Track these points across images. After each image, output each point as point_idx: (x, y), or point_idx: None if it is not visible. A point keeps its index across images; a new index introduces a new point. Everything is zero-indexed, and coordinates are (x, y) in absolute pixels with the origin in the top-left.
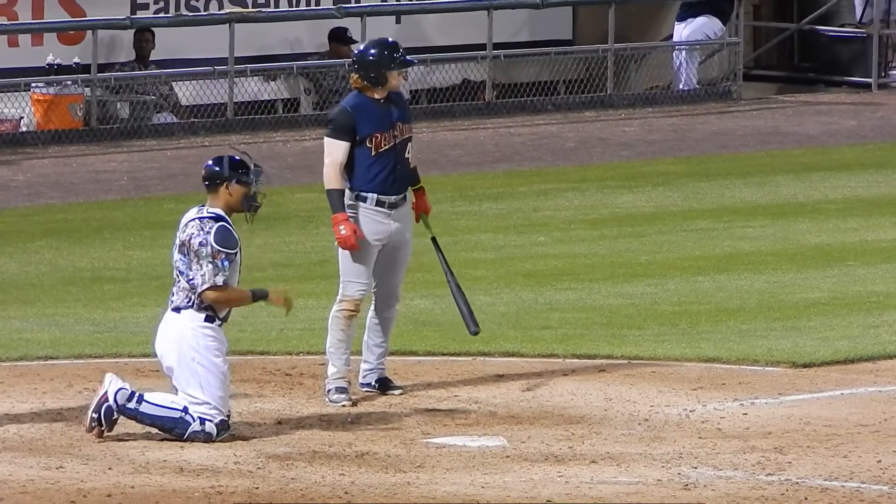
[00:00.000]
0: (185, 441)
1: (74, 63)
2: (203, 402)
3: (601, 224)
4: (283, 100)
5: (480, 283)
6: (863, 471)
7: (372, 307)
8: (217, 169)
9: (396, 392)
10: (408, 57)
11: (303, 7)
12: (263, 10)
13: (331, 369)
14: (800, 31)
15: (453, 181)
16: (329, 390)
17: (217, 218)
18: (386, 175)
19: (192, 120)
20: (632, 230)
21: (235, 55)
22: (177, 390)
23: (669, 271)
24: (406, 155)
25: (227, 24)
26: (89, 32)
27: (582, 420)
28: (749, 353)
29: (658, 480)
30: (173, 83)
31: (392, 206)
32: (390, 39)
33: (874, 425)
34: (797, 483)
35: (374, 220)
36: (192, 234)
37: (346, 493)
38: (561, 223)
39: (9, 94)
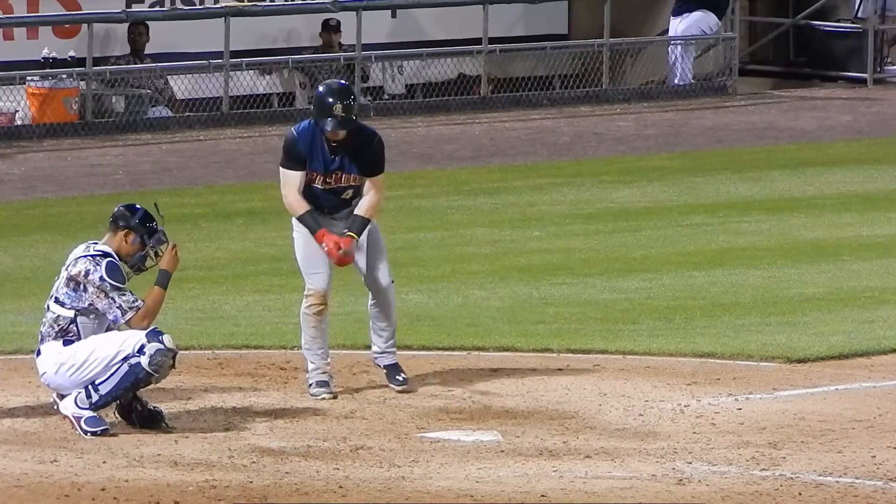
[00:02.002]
0: (153, 368)
1: (70, 56)
2: (120, 353)
3: (596, 219)
4: (278, 94)
5: (475, 278)
6: (857, 466)
7: (369, 297)
8: (127, 214)
9: (397, 386)
10: (344, 119)
11: (298, 1)
12: (259, 3)
13: (310, 365)
14: (795, 26)
15: (448, 175)
16: (310, 384)
17: (105, 255)
18: (323, 203)
19: (188, 114)
20: (627, 225)
21: (231, 49)
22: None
23: (664, 266)
24: (344, 196)
25: (223, 18)
26: (84, 26)
27: (576, 415)
28: (744, 348)
29: (652, 475)
30: (168, 77)
31: (332, 210)
32: (340, 87)
33: (868, 420)
34: (791, 478)
35: (319, 217)
36: (89, 269)
37: (340, 487)
38: (556, 218)
39: (4, 87)
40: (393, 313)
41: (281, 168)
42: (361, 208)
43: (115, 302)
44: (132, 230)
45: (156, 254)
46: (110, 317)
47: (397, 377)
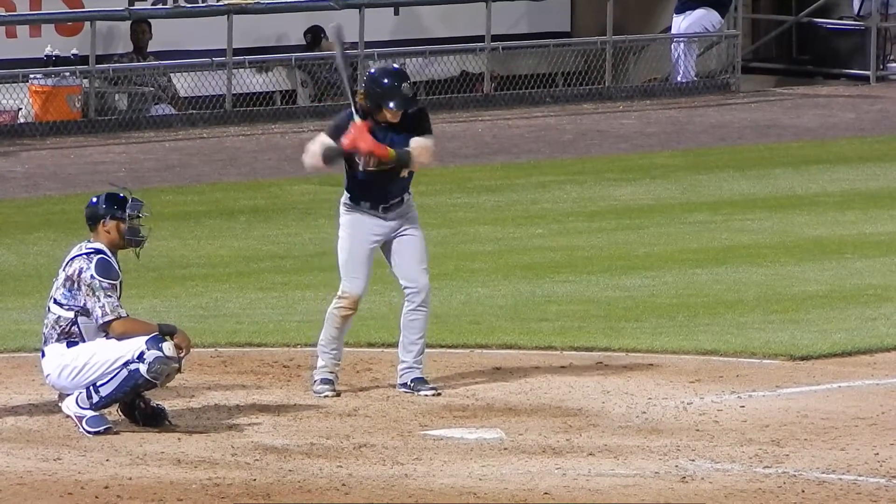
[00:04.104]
0: (151, 376)
1: (73, 54)
2: (121, 358)
3: (599, 216)
4: (281, 92)
5: (478, 276)
6: (860, 463)
7: (404, 306)
8: (92, 208)
9: (429, 393)
10: (408, 97)
11: None
12: (262, 1)
13: (319, 362)
14: (798, 24)
15: (451, 173)
16: (314, 381)
17: (97, 251)
18: (376, 191)
19: (191, 111)
20: (630, 223)
21: (234, 47)
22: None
23: (667, 264)
24: (402, 175)
25: (226, 16)
26: (87, 23)
27: (579, 412)
28: (747, 346)
29: (655, 473)
30: (171, 75)
31: (387, 209)
32: (396, 69)
33: (871, 418)
34: (794, 476)
35: (370, 218)
36: (82, 267)
37: (343, 485)
38: (559, 215)
39: (7, 85)
40: (425, 327)
41: (322, 134)
42: (411, 145)
43: (99, 301)
44: (104, 217)
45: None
46: (93, 316)
47: (427, 387)
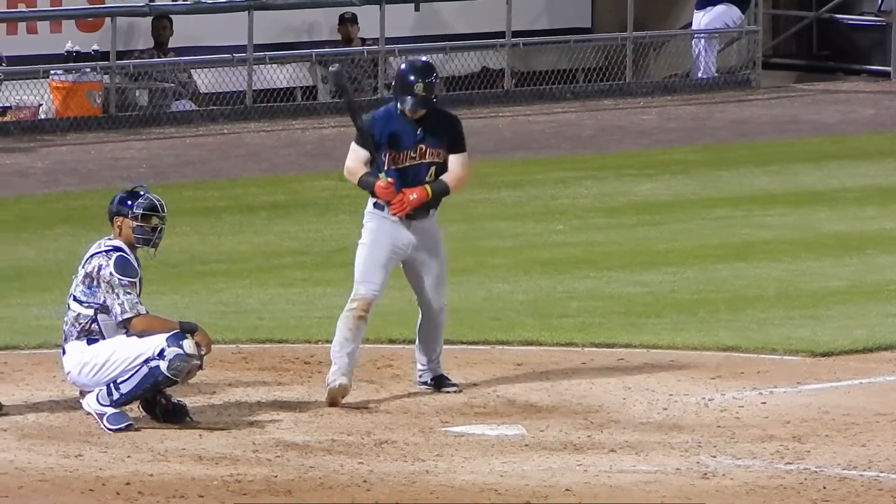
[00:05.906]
0: (172, 373)
1: (93, 50)
2: (141, 355)
3: (619, 212)
4: (301, 87)
5: (499, 271)
6: (881, 460)
7: (419, 317)
8: (109, 207)
9: (452, 389)
10: (423, 97)
11: None
12: None
13: (332, 367)
14: (819, 20)
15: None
16: (328, 383)
17: (116, 248)
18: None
19: (211, 107)
20: (650, 218)
21: (254, 42)
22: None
23: (688, 259)
24: (427, 178)
25: (247, 12)
26: (108, 19)
27: (600, 409)
28: (767, 342)
29: (677, 469)
30: (192, 70)
31: (409, 217)
32: (423, 66)
33: (893, 414)
34: (816, 472)
35: (394, 226)
36: (101, 265)
37: (364, 481)
38: (579, 211)
39: (28, 81)
40: (441, 335)
41: (352, 144)
42: (446, 176)
43: (118, 298)
44: (115, 214)
45: (151, 211)
46: (112, 313)
47: (448, 383)
